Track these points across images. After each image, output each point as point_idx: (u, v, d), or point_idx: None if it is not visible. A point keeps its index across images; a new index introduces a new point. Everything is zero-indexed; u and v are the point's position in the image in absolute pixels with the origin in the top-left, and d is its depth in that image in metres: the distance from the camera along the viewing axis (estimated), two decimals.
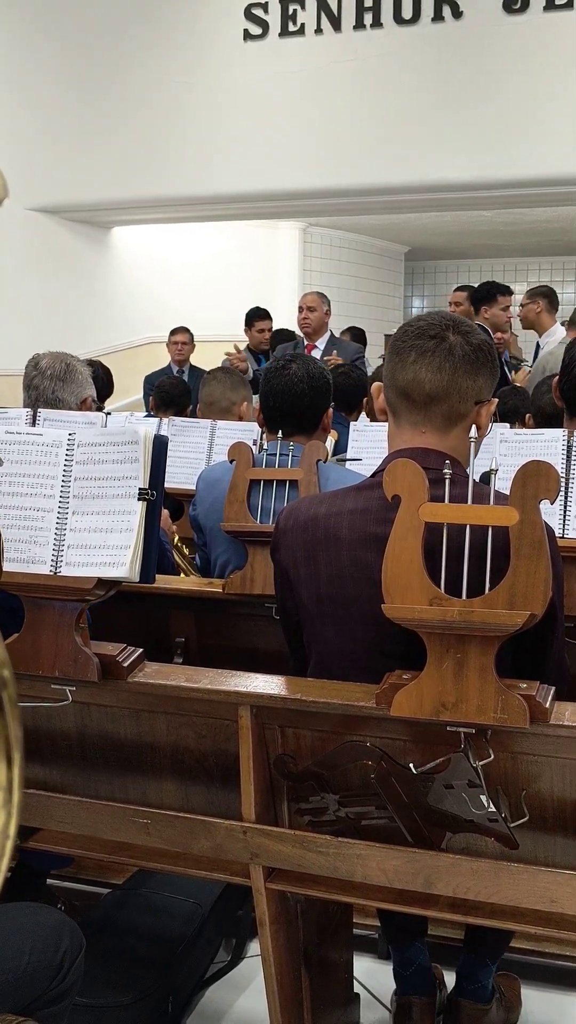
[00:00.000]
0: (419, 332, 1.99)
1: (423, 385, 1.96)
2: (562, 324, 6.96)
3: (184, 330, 8.66)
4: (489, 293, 6.89)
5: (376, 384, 2.11)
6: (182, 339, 8.64)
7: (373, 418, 4.33)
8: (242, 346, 7.88)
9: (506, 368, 6.90)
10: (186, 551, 3.54)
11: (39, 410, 3.07)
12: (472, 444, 1.87)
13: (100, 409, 3.95)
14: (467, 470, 1.93)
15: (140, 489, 1.87)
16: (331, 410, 3.10)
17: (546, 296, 7.16)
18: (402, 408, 2.01)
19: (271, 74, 8.34)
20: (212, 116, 8.54)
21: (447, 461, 1.83)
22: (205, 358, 8.50)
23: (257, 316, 8.46)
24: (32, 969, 1.68)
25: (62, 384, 3.15)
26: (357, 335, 9.00)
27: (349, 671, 1.95)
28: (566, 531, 2.54)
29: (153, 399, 5.51)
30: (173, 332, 8.68)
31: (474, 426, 1.97)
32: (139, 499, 1.87)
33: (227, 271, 11.04)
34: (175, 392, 5.45)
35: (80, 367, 3.24)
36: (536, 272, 13.49)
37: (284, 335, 8.13)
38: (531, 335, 10.99)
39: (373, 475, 2.03)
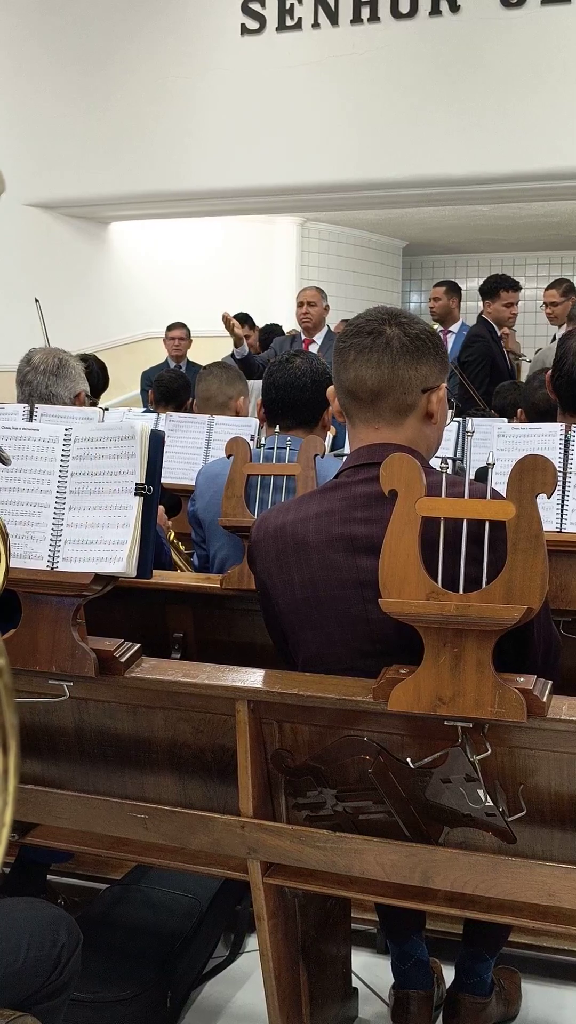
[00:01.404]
0: (356, 330, 2.01)
1: (365, 382, 1.97)
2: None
3: (181, 326, 8.65)
4: (492, 289, 6.87)
5: (330, 389, 2.12)
6: (179, 335, 8.63)
7: None
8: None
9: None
10: (182, 547, 3.54)
11: (36, 406, 3.06)
12: (467, 437, 1.87)
13: (94, 404, 3.95)
14: (427, 459, 1.94)
15: (137, 484, 1.87)
16: (331, 408, 3.11)
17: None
18: (352, 408, 2.03)
19: (268, 69, 8.33)
20: (210, 111, 8.52)
21: (445, 459, 1.83)
22: (203, 354, 8.50)
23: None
24: (30, 963, 1.68)
25: (55, 379, 3.16)
26: None
27: (332, 673, 1.94)
28: (564, 526, 2.53)
29: (153, 393, 5.51)
30: (170, 328, 8.67)
31: (470, 421, 1.97)
32: (136, 494, 1.87)
33: (225, 266, 11.02)
34: (174, 386, 5.44)
35: (73, 362, 3.25)
36: (534, 267, 13.48)
37: (273, 330, 8.11)
38: (529, 330, 11.02)
39: (336, 476, 2.04)
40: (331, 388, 2.11)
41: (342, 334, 2.05)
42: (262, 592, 2.10)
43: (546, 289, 7.24)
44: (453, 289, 7.67)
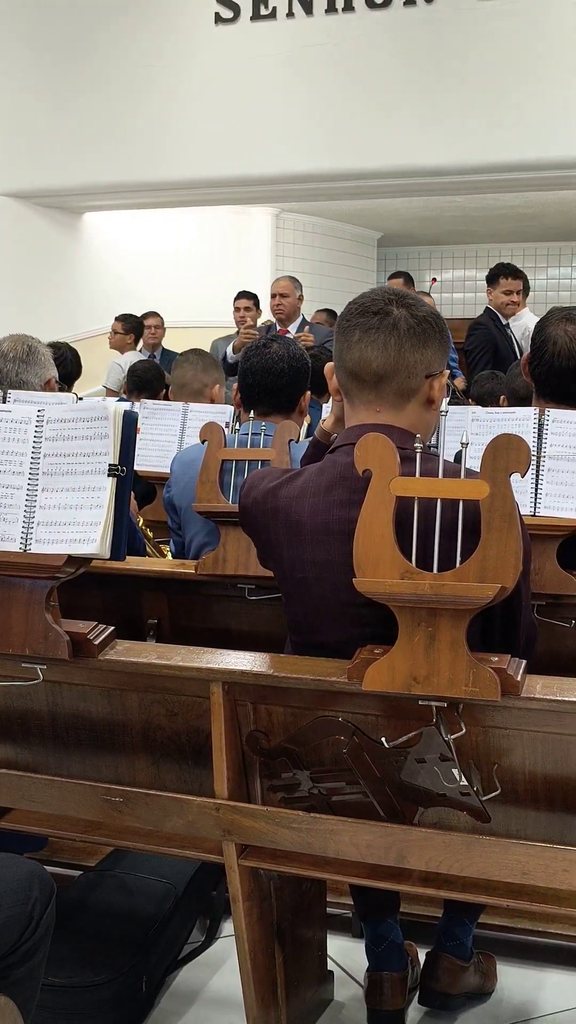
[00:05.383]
0: (362, 309, 1.97)
1: (370, 364, 1.94)
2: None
3: (155, 314, 8.67)
4: (493, 276, 6.85)
5: (328, 365, 2.10)
6: (155, 323, 8.63)
7: None
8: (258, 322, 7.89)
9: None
10: (150, 535, 3.53)
11: (8, 391, 3.04)
12: (441, 419, 1.87)
13: (63, 390, 3.93)
14: (427, 444, 1.93)
15: (110, 465, 1.86)
16: (308, 394, 3.10)
17: None
18: (353, 388, 2.00)
19: (243, 58, 8.29)
20: (184, 101, 8.48)
21: (417, 436, 1.83)
22: (177, 343, 8.48)
23: (236, 296, 8.45)
24: (3, 923, 1.67)
25: (25, 366, 3.14)
26: (333, 316, 8.99)
27: (322, 651, 1.94)
28: (537, 509, 2.54)
29: (126, 383, 5.49)
30: (144, 316, 8.67)
31: (444, 401, 1.96)
32: (109, 475, 1.86)
33: (199, 257, 10.97)
34: (148, 376, 5.43)
35: (42, 348, 3.23)
36: (508, 258, 13.41)
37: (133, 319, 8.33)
38: None
39: (332, 450, 2.01)
40: (329, 364, 2.08)
41: (346, 312, 2.01)
42: (258, 551, 2.11)
43: None
44: (408, 281, 7.67)
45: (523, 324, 6.73)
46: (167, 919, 2.49)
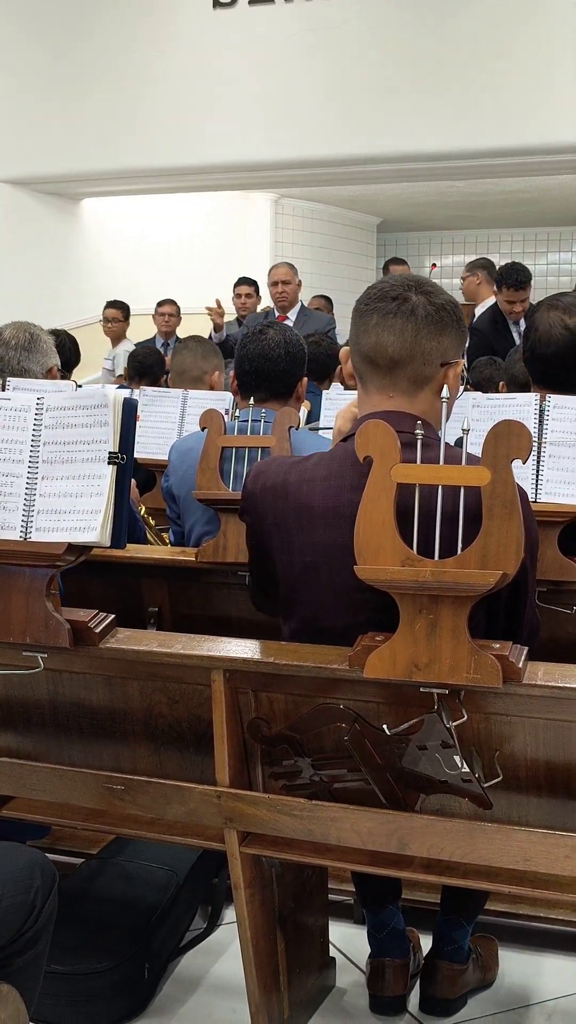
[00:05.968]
0: (381, 294, 1.97)
1: (386, 349, 1.94)
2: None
3: (171, 302, 8.63)
4: (497, 282, 6.64)
5: (344, 349, 2.09)
6: (169, 311, 8.60)
7: (346, 387, 4.32)
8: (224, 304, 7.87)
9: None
10: (152, 522, 3.52)
11: (8, 379, 3.03)
12: (443, 405, 1.86)
13: (65, 378, 3.91)
14: (439, 432, 1.92)
15: (110, 453, 1.86)
16: (305, 380, 3.09)
17: (484, 268, 7.19)
18: (368, 373, 1.99)
19: (241, 43, 8.26)
20: (182, 86, 8.45)
21: (419, 422, 1.82)
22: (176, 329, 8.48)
23: (237, 283, 8.44)
24: (4, 912, 1.67)
25: (27, 354, 3.12)
26: (329, 303, 8.97)
27: (327, 637, 1.94)
28: (539, 495, 2.53)
29: (127, 369, 5.47)
30: (160, 304, 8.65)
31: (444, 387, 1.95)
32: (109, 463, 1.85)
33: (197, 243, 10.95)
34: (149, 362, 5.42)
35: (44, 336, 3.21)
36: (508, 243, 13.47)
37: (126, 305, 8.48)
38: None
39: (345, 439, 2.01)
40: (345, 349, 2.07)
41: (364, 297, 2.00)
42: (255, 544, 2.08)
43: None
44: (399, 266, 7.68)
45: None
46: (169, 906, 2.49)
